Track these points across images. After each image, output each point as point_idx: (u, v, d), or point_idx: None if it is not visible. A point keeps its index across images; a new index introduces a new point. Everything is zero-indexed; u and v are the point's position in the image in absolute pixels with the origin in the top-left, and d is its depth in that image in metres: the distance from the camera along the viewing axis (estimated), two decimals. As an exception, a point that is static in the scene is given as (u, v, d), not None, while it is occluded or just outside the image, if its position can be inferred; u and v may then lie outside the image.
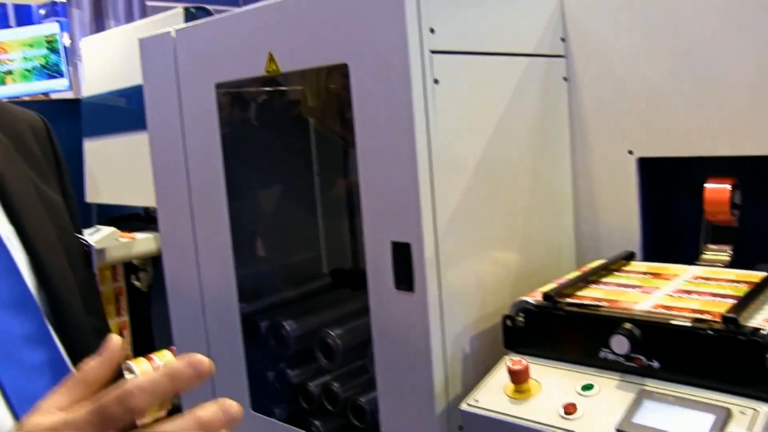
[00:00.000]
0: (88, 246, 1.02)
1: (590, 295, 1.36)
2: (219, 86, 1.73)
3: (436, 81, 1.35)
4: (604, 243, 1.73)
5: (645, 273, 1.48)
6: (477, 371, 1.47)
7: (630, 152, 1.65)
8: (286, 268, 2.33)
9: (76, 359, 0.89)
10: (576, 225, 1.77)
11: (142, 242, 3.23)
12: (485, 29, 1.51)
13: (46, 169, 1.02)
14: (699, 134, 1.55)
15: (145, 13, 8.63)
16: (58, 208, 0.99)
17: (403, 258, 1.37)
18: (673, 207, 1.74)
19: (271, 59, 1.55)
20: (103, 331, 1.01)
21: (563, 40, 1.72)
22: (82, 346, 0.91)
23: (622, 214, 1.68)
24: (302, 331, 1.89)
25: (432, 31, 1.34)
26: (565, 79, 1.73)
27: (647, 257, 1.66)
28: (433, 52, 1.35)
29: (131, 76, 3.07)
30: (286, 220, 2.36)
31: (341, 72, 1.44)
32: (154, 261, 3.40)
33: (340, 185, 2.34)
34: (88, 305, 0.98)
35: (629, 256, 1.59)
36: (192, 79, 1.79)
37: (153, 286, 3.47)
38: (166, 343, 3.06)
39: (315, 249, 2.35)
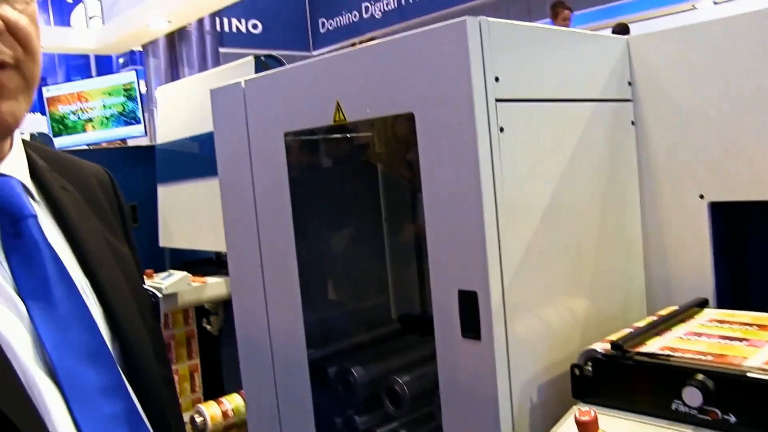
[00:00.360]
0: (155, 297, 1.04)
1: (661, 344, 1.33)
2: (287, 134, 1.76)
3: (501, 129, 1.36)
4: (675, 289, 1.69)
5: (723, 321, 1.44)
6: (545, 421, 1.44)
7: (701, 196, 1.62)
8: (355, 313, 2.34)
9: (148, 407, 0.91)
10: (646, 271, 1.74)
11: (214, 286, 3.28)
12: (550, 76, 1.51)
13: (113, 221, 1.05)
14: (774, 177, 1.51)
15: (218, 59, 8.87)
16: (127, 259, 1.02)
17: (469, 306, 1.37)
18: (748, 252, 1.69)
19: (339, 109, 1.58)
20: (171, 380, 1.03)
21: (630, 84, 1.70)
22: (153, 395, 0.94)
23: (695, 260, 1.65)
24: (370, 377, 1.89)
25: (497, 79, 1.35)
26: (633, 123, 1.71)
27: (721, 304, 1.61)
28: (498, 100, 1.35)
29: (203, 124, 3.15)
30: (354, 265, 2.37)
31: (408, 118, 1.46)
32: (225, 305, 3.45)
33: (408, 230, 2.35)
34: (157, 354, 1.00)
35: (702, 303, 1.55)
36: (261, 127, 1.83)
37: (223, 330, 3.51)
38: (236, 386, 3.09)
39: (384, 294, 2.35)
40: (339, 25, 10.79)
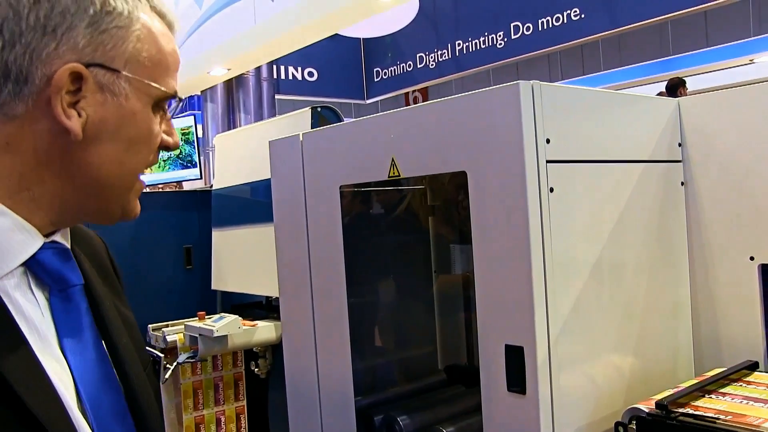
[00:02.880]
0: (157, 357, 1.14)
1: (708, 405, 1.34)
2: (342, 187, 1.81)
3: (551, 189, 1.39)
4: (725, 350, 1.70)
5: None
6: (590, 478, 1.46)
7: (751, 258, 1.63)
8: (401, 362, 2.37)
9: None
10: (695, 331, 1.74)
11: (263, 330, 3.33)
12: (600, 137, 1.55)
13: (117, 285, 1.14)
14: (823, 243, 1.52)
15: (274, 105, 9.05)
16: (131, 322, 1.11)
17: (516, 361, 1.40)
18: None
19: (394, 164, 1.63)
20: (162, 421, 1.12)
21: (680, 145, 1.73)
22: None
23: (744, 322, 1.65)
24: (415, 426, 1.91)
25: (548, 141, 1.39)
26: (683, 183, 1.73)
27: (772, 367, 1.62)
28: (549, 161, 1.39)
29: (259, 172, 3.23)
30: (402, 314, 2.41)
31: (461, 176, 1.50)
32: (274, 349, 3.50)
33: (456, 282, 2.38)
34: (160, 411, 1.09)
35: (753, 366, 1.55)
36: (317, 179, 1.89)
37: (271, 373, 3.55)
38: (282, 430, 3.12)
39: (431, 344, 2.38)
40: (393, 74, 10.95)
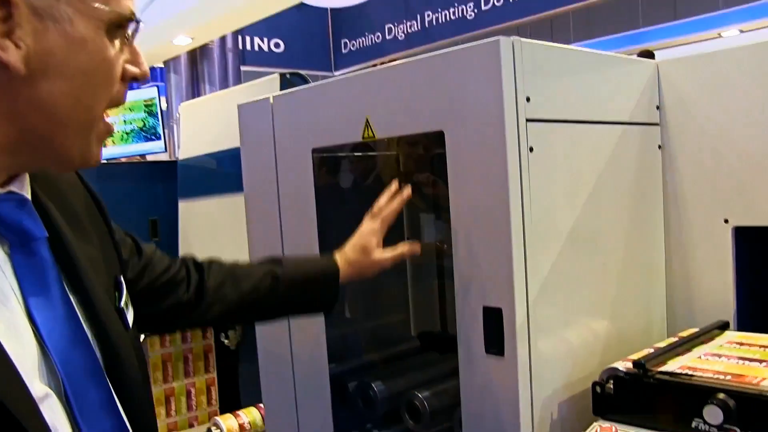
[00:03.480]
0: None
1: (682, 363, 1.34)
2: (315, 150, 1.78)
3: (531, 149, 1.38)
4: (697, 312, 1.70)
5: (740, 343, 1.45)
6: (566, 438, 1.46)
7: (725, 221, 1.64)
8: (374, 330, 2.35)
9: (133, 409, 0.95)
10: (668, 293, 1.75)
11: (233, 301, 3.29)
12: (580, 98, 1.53)
13: (85, 223, 1.05)
14: (799, 204, 1.52)
15: (239, 78, 8.94)
16: (99, 265, 1.03)
17: (494, 323, 1.39)
18: (769, 276, 1.70)
19: (368, 126, 1.60)
20: (146, 380, 1.08)
21: (658, 108, 1.72)
22: (141, 411, 0.98)
23: (716, 283, 1.66)
24: (390, 392, 1.90)
25: (528, 99, 1.37)
26: (660, 147, 1.73)
27: (741, 327, 1.62)
28: (529, 120, 1.38)
29: (227, 140, 3.18)
30: (375, 282, 2.39)
31: (438, 136, 1.48)
32: (244, 319, 3.46)
33: (428, 248, 2.36)
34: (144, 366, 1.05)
35: (723, 326, 1.56)
36: (289, 143, 1.86)
37: (241, 345, 3.53)
38: (253, 400, 3.10)
39: (403, 312, 2.37)
40: (361, 45, 10.84)
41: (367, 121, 1.61)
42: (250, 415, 2.94)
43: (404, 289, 2.38)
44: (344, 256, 1.56)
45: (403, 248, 1.54)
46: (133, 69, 0.89)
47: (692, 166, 1.70)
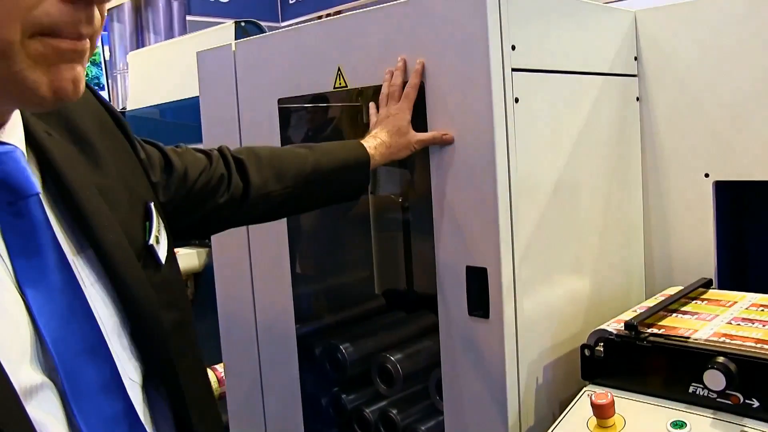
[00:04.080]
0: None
1: (674, 325, 1.29)
2: (282, 101, 1.68)
3: (516, 99, 1.30)
4: (676, 269, 1.66)
5: (728, 302, 1.40)
6: (550, 402, 1.41)
7: (706, 175, 1.59)
8: (337, 288, 2.28)
9: (156, 364, 0.85)
10: (647, 250, 1.70)
11: (185, 258, 3.19)
12: (564, 47, 1.46)
13: (99, 148, 0.91)
14: (783, 158, 1.48)
15: (185, 27, 8.66)
16: (120, 196, 0.90)
17: (478, 284, 1.32)
18: (753, 233, 1.67)
19: (340, 75, 1.51)
20: (185, 324, 0.94)
21: (636, 59, 1.66)
22: (159, 347, 0.86)
23: (697, 240, 1.62)
24: (359, 355, 1.83)
25: (513, 48, 1.30)
26: (638, 99, 1.67)
27: (722, 285, 1.59)
28: (515, 69, 1.30)
29: (180, 90, 3.06)
30: (337, 238, 2.31)
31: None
32: (196, 277, 3.37)
33: (392, 204, 2.28)
34: (163, 301, 0.91)
35: (707, 284, 1.52)
36: (253, 93, 1.75)
37: (193, 302, 3.43)
38: (205, 360, 3.02)
39: (367, 269, 2.29)
40: (308, -4, 10.63)
41: (340, 70, 1.52)
42: (205, 375, 2.86)
43: (367, 245, 2.30)
44: (376, 140, 1.45)
45: (435, 133, 1.40)
46: None
47: (671, 119, 1.64)
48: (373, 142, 1.43)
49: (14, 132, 0.75)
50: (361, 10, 1.48)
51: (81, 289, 0.77)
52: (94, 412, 0.74)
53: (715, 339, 1.18)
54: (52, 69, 0.67)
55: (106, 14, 0.72)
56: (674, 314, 1.36)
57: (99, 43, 5.21)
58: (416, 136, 1.41)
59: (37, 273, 0.73)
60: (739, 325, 1.25)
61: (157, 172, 1.08)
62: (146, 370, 0.84)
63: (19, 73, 0.65)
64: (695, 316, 1.33)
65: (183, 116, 3.10)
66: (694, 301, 1.43)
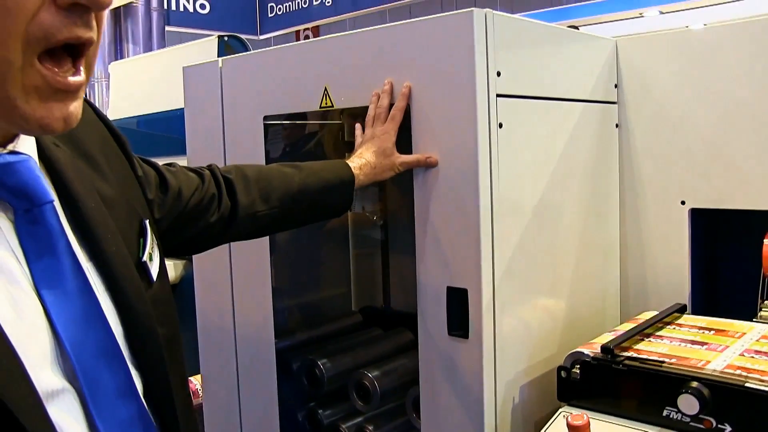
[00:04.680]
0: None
1: (650, 349, 1.32)
2: (267, 118, 1.70)
3: (500, 125, 1.33)
4: (651, 294, 1.70)
5: (705, 328, 1.43)
6: (526, 422, 1.43)
7: (682, 202, 1.63)
8: (314, 303, 2.29)
9: (153, 377, 0.85)
10: (622, 274, 1.74)
11: (162, 269, 3.18)
12: (546, 74, 1.49)
13: (102, 163, 0.93)
14: (758, 187, 1.52)
15: (164, 38, 8.67)
16: (119, 207, 0.92)
17: (458, 304, 1.34)
18: (726, 260, 1.70)
19: (326, 94, 1.53)
20: (175, 340, 0.95)
21: (616, 86, 1.70)
22: (156, 360, 0.87)
23: (672, 265, 1.65)
24: (336, 370, 1.85)
25: (498, 74, 1.32)
26: (617, 126, 1.70)
27: (696, 310, 1.62)
28: (499, 95, 1.33)
29: (161, 102, 3.06)
30: (316, 253, 2.33)
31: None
32: (173, 288, 3.36)
33: (360, 218, 2.30)
34: (155, 316, 0.93)
35: (682, 309, 1.55)
36: (238, 109, 1.77)
37: (169, 314, 3.42)
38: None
39: (345, 285, 2.31)
40: (288, 10, 10.60)
41: (326, 90, 1.54)
42: (180, 388, 2.85)
43: (345, 261, 2.32)
44: (361, 160, 1.47)
45: (419, 155, 1.42)
46: None
47: (649, 146, 1.68)
48: (358, 162, 1.45)
49: (27, 142, 0.77)
50: (349, 33, 1.50)
51: (95, 294, 0.79)
52: (113, 416, 0.76)
53: (731, 371, 1.19)
54: (44, 105, 0.68)
55: (104, 22, 0.74)
56: (649, 338, 1.39)
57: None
58: (400, 158, 1.43)
59: (54, 277, 0.75)
60: (753, 357, 1.26)
61: (153, 189, 1.10)
62: (145, 382, 0.85)
63: (12, 100, 0.67)
64: (673, 342, 1.36)
65: (163, 128, 3.11)
66: (669, 326, 1.46)
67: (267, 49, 1.71)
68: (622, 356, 1.29)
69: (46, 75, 0.67)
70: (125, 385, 0.79)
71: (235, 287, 1.85)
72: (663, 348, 1.33)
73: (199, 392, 2.69)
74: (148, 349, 0.85)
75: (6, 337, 0.66)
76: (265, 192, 1.35)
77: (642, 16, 9.51)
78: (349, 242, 2.32)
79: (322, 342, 2.05)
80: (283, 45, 1.68)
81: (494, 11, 1.32)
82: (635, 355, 1.29)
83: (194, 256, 1.99)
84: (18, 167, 0.74)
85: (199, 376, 2.80)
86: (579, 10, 9.73)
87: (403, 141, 1.43)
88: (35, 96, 0.68)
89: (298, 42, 1.64)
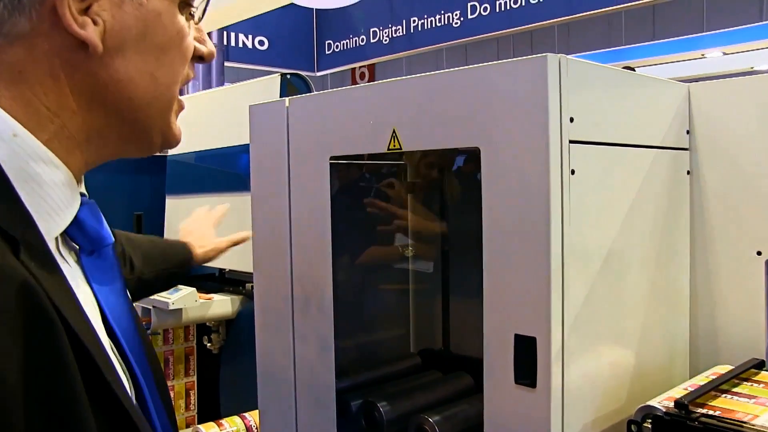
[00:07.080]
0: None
1: (725, 406, 1.28)
2: (333, 159, 1.70)
3: (572, 171, 1.31)
4: (722, 348, 1.65)
5: (783, 386, 1.38)
6: (593, 476, 1.39)
7: (758, 253, 1.58)
8: (372, 344, 2.28)
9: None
10: (692, 326, 1.69)
11: (219, 304, 3.20)
12: (618, 120, 1.47)
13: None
14: (838, 241, 1.47)
15: (222, 73, 8.82)
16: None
17: (526, 352, 1.31)
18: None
19: (395, 137, 1.52)
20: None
21: (688, 132, 1.67)
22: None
23: (746, 318, 1.60)
24: (396, 413, 1.82)
25: (571, 120, 1.31)
26: (689, 172, 1.67)
27: (770, 365, 1.57)
28: (572, 141, 1.31)
29: (222, 139, 3.10)
30: (372, 294, 2.32)
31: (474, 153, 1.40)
32: (228, 323, 3.38)
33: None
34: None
35: (759, 365, 1.50)
36: (304, 149, 1.77)
37: (223, 349, 3.43)
38: (233, 407, 3.00)
39: (403, 327, 2.29)
40: (345, 47, 10.73)
41: (394, 131, 1.53)
42: (233, 424, 2.84)
43: (404, 302, 2.30)
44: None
45: (236, 236, 1.93)
46: (200, 47, 0.86)
47: (722, 194, 1.64)
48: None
49: (82, 185, 0.83)
50: (419, 75, 1.50)
51: (137, 314, 0.89)
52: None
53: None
54: (177, 125, 0.88)
55: None
56: (725, 395, 1.34)
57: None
58: (222, 243, 2.13)
59: (119, 312, 0.82)
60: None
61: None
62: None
63: (169, 124, 0.85)
64: (753, 400, 1.31)
65: (222, 164, 3.15)
66: (746, 383, 1.41)
67: (334, 90, 1.71)
68: (698, 413, 1.24)
69: (180, 101, 0.86)
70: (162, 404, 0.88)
71: (296, 325, 1.84)
72: (739, 406, 1.28)
73: (254, 428, 2.69)
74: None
75: (85, 314, 0.73)
76: (149, 264, 1.87)
77: (704, 57, 9.44)
78: (409, 283, 2.30)
79: (380, 383, 2.03)
80: (350, 87, 1.68)
81: (567, 56, 1.30)
82: (711, 412, 1.25)
83: (256, 291, 1.99)
84: (92, 209, 0.81)
85: (255, 412, 2.80)
86: (637, 51, 9.70)
87: (473, 187, 1.42)
88: (176, 119, 0.87)
89: (367, 84, 1.64)
